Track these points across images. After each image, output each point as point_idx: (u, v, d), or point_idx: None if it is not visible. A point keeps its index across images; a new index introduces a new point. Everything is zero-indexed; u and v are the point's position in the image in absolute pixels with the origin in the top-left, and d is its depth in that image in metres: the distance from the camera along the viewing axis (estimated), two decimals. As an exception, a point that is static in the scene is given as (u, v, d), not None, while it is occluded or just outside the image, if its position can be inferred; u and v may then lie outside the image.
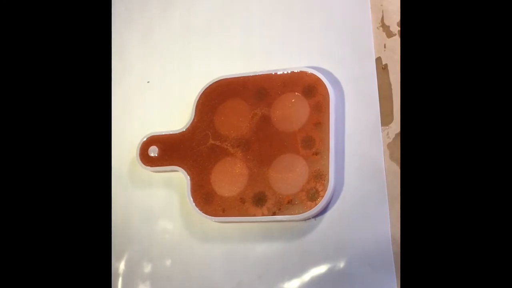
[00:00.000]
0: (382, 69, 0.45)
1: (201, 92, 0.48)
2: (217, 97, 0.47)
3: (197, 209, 0.45)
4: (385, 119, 0.44)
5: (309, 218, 0.43)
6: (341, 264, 0.42)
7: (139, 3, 0.55)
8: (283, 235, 0.44)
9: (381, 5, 0.46)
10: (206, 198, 0.45)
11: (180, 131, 0.48)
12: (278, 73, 0.46)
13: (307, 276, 0.43)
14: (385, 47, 0.45)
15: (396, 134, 0.43)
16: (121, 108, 0.53)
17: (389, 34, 0.45)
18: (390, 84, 0.44)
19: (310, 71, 0.44)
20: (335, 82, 0.45)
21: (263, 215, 0.43)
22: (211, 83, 0.48)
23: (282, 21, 0.49)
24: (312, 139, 0.43)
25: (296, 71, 0.45)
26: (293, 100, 0.45)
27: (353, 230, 0.42)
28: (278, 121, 0.45)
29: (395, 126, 0.43)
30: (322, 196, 0.42)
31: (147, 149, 0.48)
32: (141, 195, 0.50)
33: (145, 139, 0.49)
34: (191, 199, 0.45)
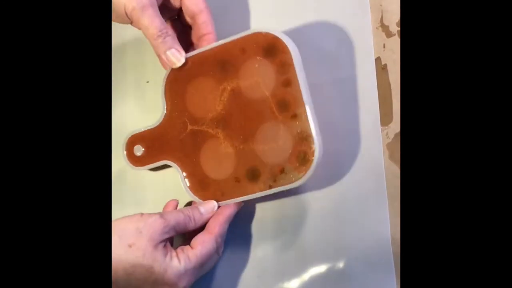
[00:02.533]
0: (381, 69, 0.45)
1: (165, 79, 0.46)
2: (182, 80, 0.45)
3: (196, 198, 0.44)
4: (385, 119, 0.44)
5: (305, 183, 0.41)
6: (341, 264, 0.42)
7: None
8: (283, 234, 0.44)
9: (381, 5, 0.46)
10: (202, 185, 0.44)
11: (157, 124, 0.46)
12: (234, 39, 0.43)
13: (306, 276, 0.43)
14: (384, 47, 0.45)
15: (396, 134, 0.43)
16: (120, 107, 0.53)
17: (389, 34, 0.45)
18: (389, 84, 0.44)
19: (264, 30, 0.42)
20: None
21: (260, 190, 0.42)
22: (171, 68, 0.45)
23: (281, 20, 0.49)
24: (286, 101, 0.41)
25: (250, 33, 0.43)
26: (256, 66, 0.43)
27: (353, 230, 0.42)
28: (247, 90, 0.43)
29: (395, 126, 0.43)
30: (312, 158, 0.40)
31: (133, 150, 0.47)
32: (135, 194, 0.50)
33: (127, 138, 0.47)
34: (188, 189, 0.44)
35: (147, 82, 0.52)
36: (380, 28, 0.45)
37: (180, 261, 0.39)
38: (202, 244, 0.40)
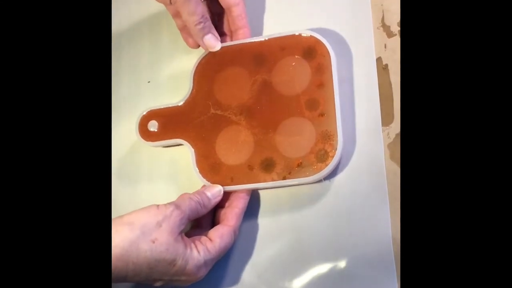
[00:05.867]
0: (382, 69, 0.45)
1: (197, 63, 0.47)
2: (214, 66, 0.46)
3: (204, 180, 0.44)
4: (386, 119, 0.44)
5: (320, 180, 0.43)
6: (342, 264, 0.42)
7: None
8: (283, 234, 0.44)
9: (382, 5, 0.46)
10: (212, 169, 0.44)
11: (179, 103, 0.47)
12: (276, 37, 0.45)
13: (307, 276, 0.43)
14: (385, 47, 0.45)
15: (397, 134, 0.43)
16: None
17: (390, 34, 0.45)
18: (390, 84, 0.44)
19: (308, 33, 0.44)
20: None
21: (273, 180, 0.42)
22: (206, 53, 0.47)
23: (281, 21, 0.49)
24: (316, 101, 0.42)
25: (293, 34, 0.44)
26: (293, 64, 0.44)
27: (353, 230, 0.42)
28: (280, 85, 0.44)
29: (396, 126, 0.43)
30: (332, 157, 0.41)
31: (147, 124, 0.47)
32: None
33: (144, 113, 0.48)
34: (197, 170, 0.45)
35: (148, 82, 0.52)
36: (381, 28, 0.45)
37: (199, 253, 0.40)
38: (221, 237, 0.41)
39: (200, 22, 0.44)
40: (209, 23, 0.45)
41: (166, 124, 0.47)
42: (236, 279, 0.45)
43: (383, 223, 0.42)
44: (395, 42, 0.45)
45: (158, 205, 0.40)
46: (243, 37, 0.46)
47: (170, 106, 0.47)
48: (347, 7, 0.46)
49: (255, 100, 0.44)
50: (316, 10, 0.47)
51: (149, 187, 0.50)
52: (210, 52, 0.47)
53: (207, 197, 0.43)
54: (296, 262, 0.43)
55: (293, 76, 0.44)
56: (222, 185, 0.44)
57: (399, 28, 0.45)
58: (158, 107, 0.47)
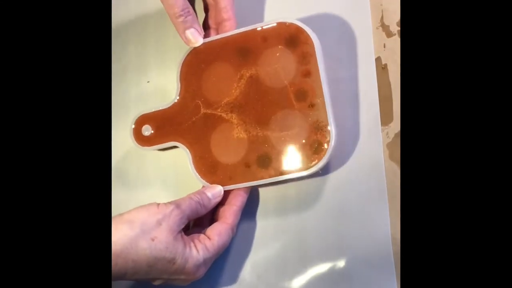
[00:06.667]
0: (381, 69, 0.45)
1: (182, 61, 0.46)
2: (199, 63, 0.45)
3: (203, 181, 0.44)
4: (385, 119, 0.44)
5: (318, 173, 0.42)
6: (341, 264, 0.42)
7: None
8: (283, 234, 0.44)
9: (381, 5, 0.46)
10: (210, 169, 0.44)
11: (169, 105, 0.46)
12: (257, 28, 0.44)
13: (306, 276, 0.43)
14: (384, 47, 0.45)
15: (396, 134, 0.43)
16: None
17: (389, 34, 0.45)
18: (389, 84, 0.44)
19: (288, 21, 0.43)
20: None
21: (270, 176, 0.42)
22: (190, 50, 0.46)
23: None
24: (304, 91, 0.42)
25: (274, 24, 0.43)
26: (277, 54, 0.43)
27: (352, 230, 0.42)
28: (266, 78, 0.43)
29: (395, 126, 0.43)
30: (326, 148, 0.41)
31: (141, 129, 0.47)
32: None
33: (136, 118, 0.47)
34: (196, 172, 0.45)
35: (148, 82, 0.52)
36: (380, 28, 0.45)
37: (198, 252, 0.40)
38: (219, 235, 0.41)
39: (181, 15, 0.43)
40: (191, 17, 0.44)
41: (159, 128, 0.46)
42: (236, 279, 0.45)
43: (382, 222, 0.42)
44: (394, 42, 0.45)
45: (158, 204, 0.40)
46: (229, 30, 0.45)
47: (160, 109, 0.46)
48: (346, 6, 0.46)
49: (244, 95, 0.44)
50: (314, 9, 0.47)
51: (149, 188, 0.50)
52: (193, 49, 0.46)
53: (208, 197, 0.43)
54: (295, 262, 0.44)
55: (279, 68, 0.43)
56: (222, 185, 0.44)
57: (398, 28, 0.45)
58: (149, 111, 0.47)
